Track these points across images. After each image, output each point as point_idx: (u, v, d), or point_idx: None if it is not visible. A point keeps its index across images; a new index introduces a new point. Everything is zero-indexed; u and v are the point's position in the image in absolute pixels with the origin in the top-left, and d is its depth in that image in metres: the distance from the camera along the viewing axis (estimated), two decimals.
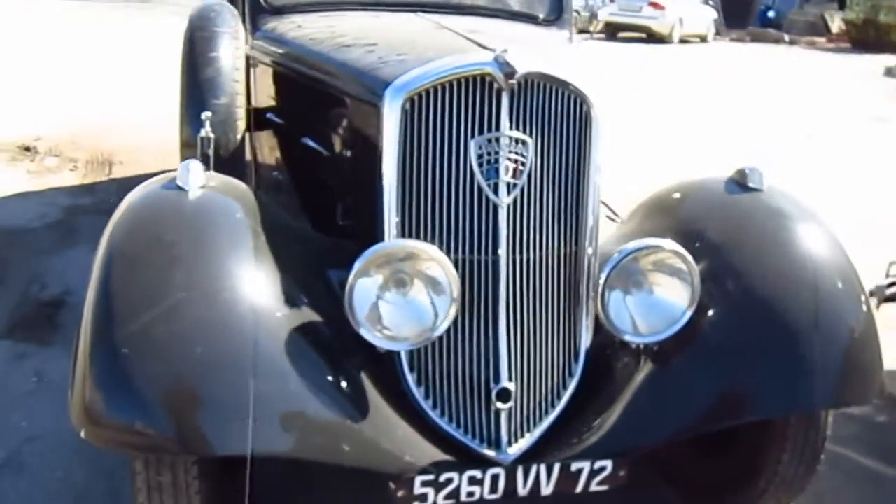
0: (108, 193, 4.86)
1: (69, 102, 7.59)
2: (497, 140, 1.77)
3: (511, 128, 1.78)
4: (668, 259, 1.75)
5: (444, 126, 1.78)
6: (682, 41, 20.35)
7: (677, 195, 2.16)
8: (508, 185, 1.79)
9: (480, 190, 1.79)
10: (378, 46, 2.13)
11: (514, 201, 1.80)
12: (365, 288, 1.61)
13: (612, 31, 20.45)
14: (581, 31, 3.64)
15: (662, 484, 2.31)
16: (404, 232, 1.79)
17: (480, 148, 1.77)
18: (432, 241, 1.75)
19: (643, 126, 7.89)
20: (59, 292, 3.46)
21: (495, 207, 1.79)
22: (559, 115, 1.83)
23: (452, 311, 1.68)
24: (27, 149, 6.03)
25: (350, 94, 2.08)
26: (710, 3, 22.56)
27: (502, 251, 1.80)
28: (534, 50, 2.17)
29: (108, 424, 1.48)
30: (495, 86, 1.75)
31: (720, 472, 2.11)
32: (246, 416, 1.47)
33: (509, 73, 1.73)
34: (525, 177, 1.80)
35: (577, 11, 3.54)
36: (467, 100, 1.77)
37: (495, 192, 1.79)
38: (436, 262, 1.66)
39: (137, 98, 7.59)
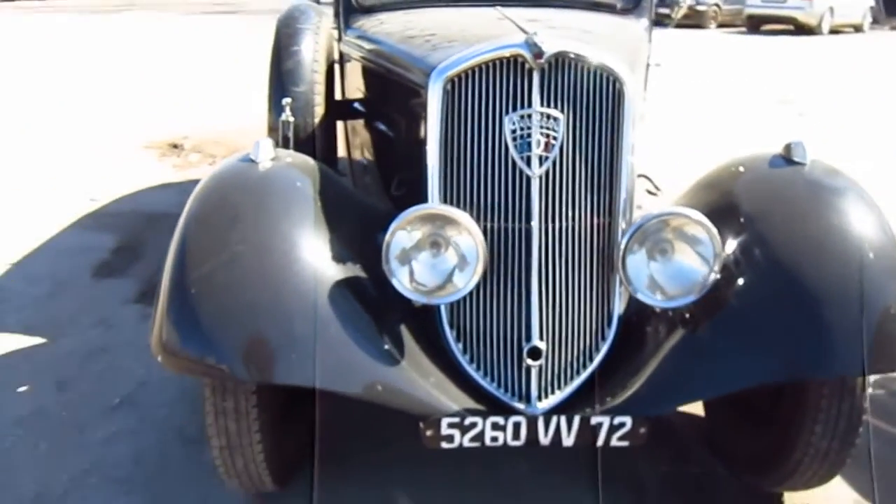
0: None
1: (213, 107, 8.34)
2: (529, 116, 1.92)
3: (542, 104, 1.92)
4: (687, 226, 1.83)
5: (481, 104, 1.95)
6: (834, 31, 19.16)
7: (725, 170, 2.21)
8: (540, 157, 1.93)
9: (514, 163, 1.94)
10: (436, 36, 2.33)
11: (546, 173, 1.94)
12: (400, 243, 1.80)
13: (755, 24, 19.65)
14: (662, 18, 3.64)
15: (710, 456, 2.36)
16: (445, 200, 1.97)
17: (514, 124, 1.93)
18: (470, 210, 1.92)
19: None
20: None
21: (528, 179, 1.94)
22: (590, 92, 1.95)
23: (479, 272, 1.84)
24: (175, 146, 6.71)
25: (407, 80, 2.28)
26: None
27: (535, 220, 1.94)
28: (573, 32, 2.28)
29: (179, 353, 1.76)
30: (526, 66, 1.90)
31: (759, 444, 2.14)
32: (293, 352, 1.70)
33: (538, 53, 1.88)
34: (556, 150, 1.94)
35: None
36: (502, 79, 1.93)
37: (528, 164, 1.93)
38: (465, 227, 1.83)
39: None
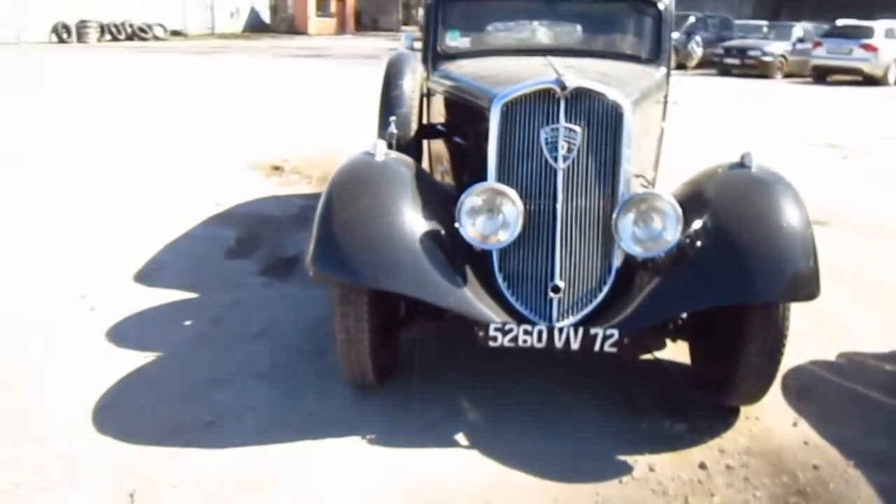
0: None
1: (309, 135, 9.57)
2: (557, 129, 2.88)
3: (566, 121, 2.87)
4: (658, 202, 2.73)
5: (525, 120, 2.91)
6: None
7: (702, 172, 3.10)
8: (564, 157, 2.87)
9: (546, 160, 2.89)
10: (498, 76, 3.32)
11: (568, 168, 2.88)
12: (469, 204, 2.76)
13: (821, 74, 20.11)
14: (679, 67, 4.54)
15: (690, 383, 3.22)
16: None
17: (546, 134, 2.89)
18: (517, 191, 2.86)
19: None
20: (294, 253, 4.94)
21: (555, 171, 2.88)
22: (599, 114, 2.90)
23: (517, 231, 2.77)
24: (276, 168, 7.87)
25: (477, 105, 3.27)
26: None
27: (560, 200, 2.88)
28: (593, 75, 3.20)
29: (322, 269, 2.74)
30: (556, 96, 2.86)
31: (716, 368, 2.96)
32: (397, 270, 2.66)
33: (563, 87, 2.84)
34: (575, 152, 2.88)
35: (695, 45, 4.41)
36: (540, 104, 2.90)
37: (555, 161, 2.88)
38: (511, 198, 2.77)
39: (364, 132, 9.35)
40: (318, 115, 11.55)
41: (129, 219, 5.69)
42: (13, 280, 4.41)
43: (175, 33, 35.13)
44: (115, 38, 30.85)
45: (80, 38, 29.48)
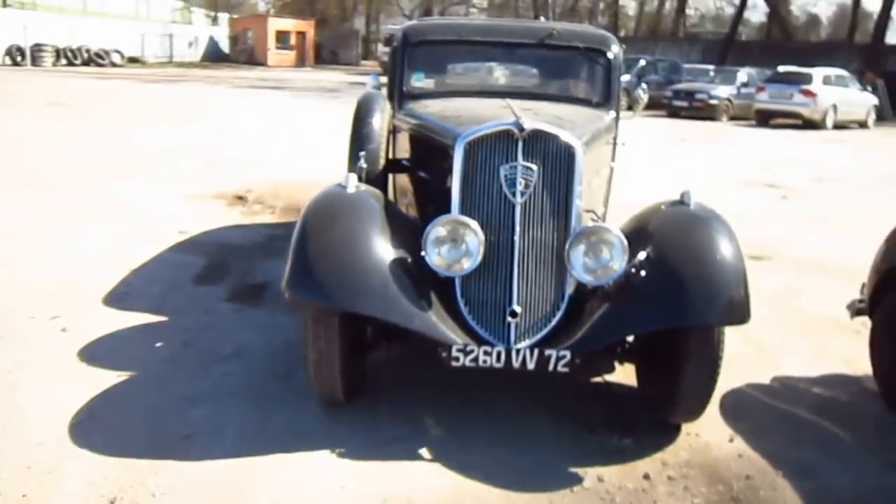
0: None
1: (271, 166, 9.76)
2: (515, 167, 3.14)
3: (524, 160, 3.14)
4: (606, 234, 3.01)
5: (487, 158, 3.18)
6: (839, 127, 20.44)
7: (647, 208, 3.39)
8: (521, 192, 3.14)
9: (505, 195, 3.15)
10: (460, 116, 3.59)
11: (525, 203, 3.15)
12: (434, 234, 3.00)
13: (764, 118, 21.04)
14: (629, 108, 4.90)
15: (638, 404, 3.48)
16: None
17: (506, 171, 3.15)
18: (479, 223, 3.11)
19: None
20: (261, 280, 5.11)
21: (513, 206, 3.14)
22: (553, 154, 3.18)
23: (478, 259, 3.02)
24: (240, 198, 8.02)
25: (441, 143, 3.52)
26: (868, 89, 22.42)
27: (518, 233, 3.13)
28: (548, 118, 3.48)
29: (297, 292, 2.95)
30: (514, 136, 3.14)
31: (659, 388, 3.23)
32: (367, 294, 2.88)
33: (521, 129, 3.11)
34: (532, 189, 3.15)
35: (641, 92, 4.77)
36: (500, 144, 3.16)
37: (514, 196, 3.14)
38: (473, 230, 3.02)
39: (325, 164, 9.59)
40: (280, 146, 11.75)
41: (93, 244, 5.79)
42: None
43: (132, 60, 35.10)
44: (70, 63, 30.69)
45: (35, 61, 29.27)
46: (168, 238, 6.05)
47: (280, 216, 7.26)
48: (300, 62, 43.68)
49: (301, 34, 44.61)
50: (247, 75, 31.73)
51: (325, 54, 47.23)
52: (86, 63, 31.35)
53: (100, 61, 31.96)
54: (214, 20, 52.15)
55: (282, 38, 43.19)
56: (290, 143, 12.29)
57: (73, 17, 33.71)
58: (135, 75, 27.40)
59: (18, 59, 29.10)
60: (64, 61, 30.58)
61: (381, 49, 37.28)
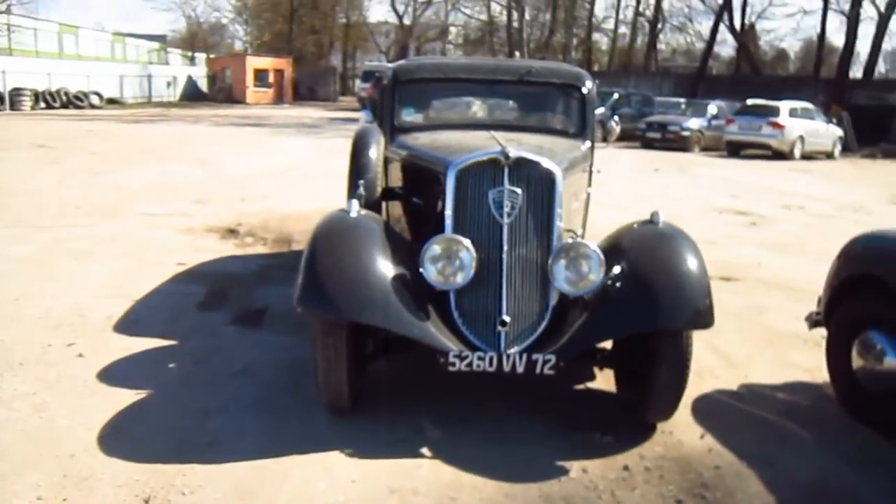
0: (288, 259, 6.90)
1: (259, 200, 10.08)
2: (502, 191, 3.50)
3: (510, 185, 3.50)
4: (584, 249, 3.37)
5: (476, 184, 3.54)
6: (806, 157, 21.15)
7: (621, 227, 3.77)
8: (508, 214, 3.50)
9: (493, 217, 3.51)
10: (450, 147, 3.96)
11: (512, 223, 3.50)
12: (431, 251, 3.33)
13: (735, 149, 21.72)
14: (604, 139, 5.31)
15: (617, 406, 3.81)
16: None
17: (494, 195, 3.51)
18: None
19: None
20: (260, 306, 5.41)
21: (501, 226, 3.50)
22: (536, 179, 3.55)
23: (471, 273, 3.36)
24: (231, 231, 8.32)
25: (433, 171, 3.88)
26: (833, 121, 23.24)
27: (505, 250, 3.48)
28: (531, 147, 3.84)
29: (308, 305, 3.27)
30: (501, 164, 3.50)
31: (635, 390, 3.57)
32: (371, 307, 3.20)
33: (507, 157, 3.48)
34: (517, 210, 3.51)
35: (614, 124, 5.15)
36: (488, 171, 3.53)
37: (501, 217, 3.49)
38: (466, 247, 3.36)
39: (310, 197, 9.93)
40: (265, 181, 12.06)
41: (96, 278, 6.04)
42: None
43: (111, 101, 35.34)
44: (49, 106, 30.83)
45: (14, 105, 29.38)
46: (167, 270, 6.32)
47: (272, 247, 7.57)
48: (279, 99, 44.21)
49: (279, 72, 45.19)
50: (227, 113, 32.11)
51: (303, 91, 47.82)
52: (65, 105, 31.52)
53: (79, 103, 32.15)
54: (192, 60, 52.80)
55: (260, 76, 43.72)
56: (274, 177, 12.62)
57: (50, 61, 33.99)
58: (115, 116, 27.67)
59: None
60: (43, 104, 30.71)
61: (359, 85, 37.84)
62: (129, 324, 4.94)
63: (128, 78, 38.58)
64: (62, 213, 8.77)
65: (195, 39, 56.08)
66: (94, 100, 33.46)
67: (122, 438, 3.40)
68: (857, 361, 3.88)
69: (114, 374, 4.08)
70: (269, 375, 4.12)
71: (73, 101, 32.16)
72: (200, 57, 52.85)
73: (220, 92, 43.62)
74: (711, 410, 3.95)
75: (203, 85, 45.97)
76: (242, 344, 4.63)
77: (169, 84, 42.51)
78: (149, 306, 5.35)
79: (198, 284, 5.95)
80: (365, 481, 3.09)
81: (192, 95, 43.53)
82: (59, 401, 3.76)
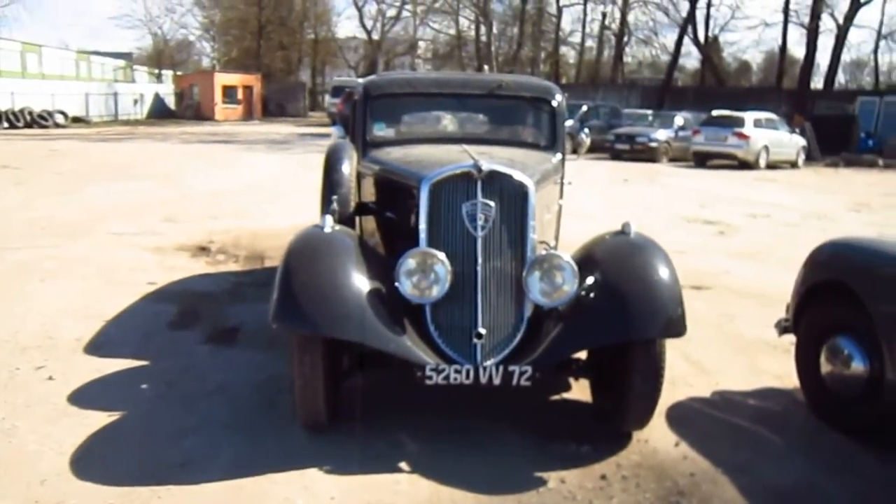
0: (260, 276, 6.86)
1: (229, 217, 10.00)
2: (475, 204, 3.52)
3: (483, 198, 3.52)
4: (558, 261, 3.40)
5: (450, 197, 3.55)
6: (771, 166, 21.55)
7: (594, 237, 3.80)
8: (482, 227, 3.52)
9: (467, 230, 3.52)
10: (423, 161, 3.98)
11: (486, 236, 3.52)
12: (406, 265, 3.34)
13: (701, 159, 22.06)
14: (574, 151, 5.37)
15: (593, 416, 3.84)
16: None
17: (467, 208, 3.53)
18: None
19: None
20: (234, 324, 5.36)
21: (475, 239, 3.52)
22: (509, 192, 3.57)
23: (446, 286, 3.37)
24: (203, 248, 8.24)
25: (407, 185, 3.89)
26: (796, 131, 23.70)
27: (479, 263, 3.50)
28: (503, 160, 3.87)
29: (284, 320, 3.25)
30: (474, 177, 3.53)
31: (610, 400, 3.60)
32: (346, 321, 3.19)
33: (479, 170, 3.50)
34: (491, 223, 3.53)
35: (584, 136, 5.21)
36: (461, 184, 3.55)
37: (475, 230, 3.51)
38: (440, 260, 3.38)
39: (282, 213, 9.88)
40: (236, 198, 11.98)
41: (64, 299, 5.94)
42: None
43: (77, 120, 34.90)
44: (13, 126, 30.37)
45: None
46: (137, 289, 6.24)
47: (244, 264, 7.51)
48: (248, 116, 43.99)
49: (248, 88, 45.00)
50: (195, 130, 31.86)
51: (273, 107, 47.65)
52: (28, 125, 31.05)
53: (43, 122, 31.68)
54: (158, 77, 52.31)
55: (228, 92, 43.49)
56: (245, 194, 12.54)
57: (12, 80, 33.49)
58: (80, 135, 27.33)
59: None
60: (6, 124, 30.25)
61: (329, 100, 37.77)
62: (99, 345, 4.87)
63: (93, 96, 38.13)
64: (29, 233, 8.62)
65: (162, 57, 55.59)
66: (59, 118, 33.00)
67: (94, 461, 3.34)
68: (825, 367, 3.95)
69: (85, 397, 4.02)
70: (244, 393, 4.08)
71: (37, 121, 31.68)
72: (168, 74, 52.39)
73: (187, 109, 43.28)
74: (685, 418, 3.99)
75: (171, 102, 45.60)
76: (216, 363, 4.59)
77: (136, 102, 42.11)
78: (120, 327, 5.27)
79: (169, 303, 5.89)
80: (344, 497, 3.08)
81: (160, 113, 43.15)
82: (29, 425, 3.69)
